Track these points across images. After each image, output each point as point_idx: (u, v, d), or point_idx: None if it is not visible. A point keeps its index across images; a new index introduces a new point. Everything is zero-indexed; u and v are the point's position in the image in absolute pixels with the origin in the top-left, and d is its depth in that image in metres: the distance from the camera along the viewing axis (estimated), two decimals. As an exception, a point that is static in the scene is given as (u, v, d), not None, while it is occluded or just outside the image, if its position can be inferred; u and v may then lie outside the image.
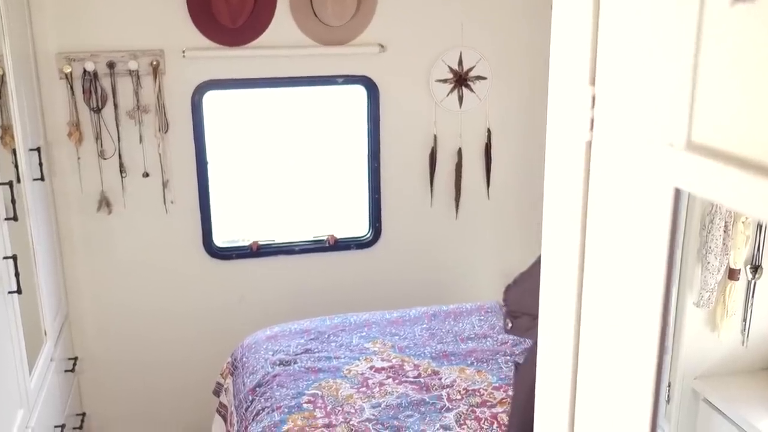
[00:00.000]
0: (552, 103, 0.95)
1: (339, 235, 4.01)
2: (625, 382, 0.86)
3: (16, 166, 2.90)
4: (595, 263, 0.90)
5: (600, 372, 0.92)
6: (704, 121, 0.69)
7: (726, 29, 0.65)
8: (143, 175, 3.63)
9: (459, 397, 2.93)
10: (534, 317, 1.34)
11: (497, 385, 3.00)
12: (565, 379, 1.00)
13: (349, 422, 2.78)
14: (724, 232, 2.54)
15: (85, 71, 3.44)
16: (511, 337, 3.29)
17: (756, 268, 2.63)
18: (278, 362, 3.19)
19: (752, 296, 2.66)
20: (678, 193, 0.73)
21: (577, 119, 0.89)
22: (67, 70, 3.41)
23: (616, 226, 0.84)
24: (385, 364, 3.16)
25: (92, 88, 3.47)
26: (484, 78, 3.90)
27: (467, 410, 2.84)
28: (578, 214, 0.92)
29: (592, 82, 0.87)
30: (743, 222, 2.54)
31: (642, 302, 0.80)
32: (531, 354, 1.34)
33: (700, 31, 0.68)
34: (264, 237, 3.96)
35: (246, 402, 3.05)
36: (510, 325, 1.35)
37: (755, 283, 2.66)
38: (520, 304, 1.31)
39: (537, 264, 1.42)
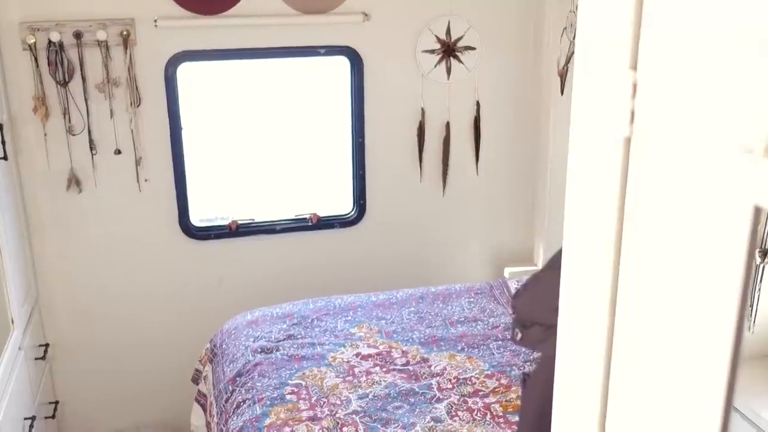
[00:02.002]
0: (580, 89, 0.79)
1: (322, 213, 3.85)
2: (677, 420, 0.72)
3: (-24, 145, 2.72)
4: (635, 281, 0.75)
5: (640, 403, 0.78)
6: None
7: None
8: (115, 152, 3.44)
9: (450, 386, 2.79)
10: (547, 327, 1.21)
11: (489, 372, 2.86)
12: (592, 404, 0.86)
13: (335, 415, 2.64)
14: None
15: (50, 42, 3.22)
16: (503, 321, 3.16)
17: (765, 253, 2.50)
18: (259, 350, 3.04)
19: (759, 281, 2.53)
20: (758, 212, 0.57)
21: (613, 111, 0.73)
22: (31, 40, 3.19)
23: (667, 244, 0.68)
24: (372, 351, 3.02)
25: (58, 60, 3.26)
26: (473, 48, 3.72)
27: (459, 400, 2.71)
28: (612, 224, 0.77)
29: (634, 66, 0.71)
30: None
31: (702, 339, 0.65)
32: (542, 367, 1.21)
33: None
34: (243, 216, 3.79)
35: (226, 393, 2.90)
36: (519, 335, 1.20)
37: (763, 268, 2.53)
38: (531, 312, 1.17)
39: (549, 269, 1.28)
